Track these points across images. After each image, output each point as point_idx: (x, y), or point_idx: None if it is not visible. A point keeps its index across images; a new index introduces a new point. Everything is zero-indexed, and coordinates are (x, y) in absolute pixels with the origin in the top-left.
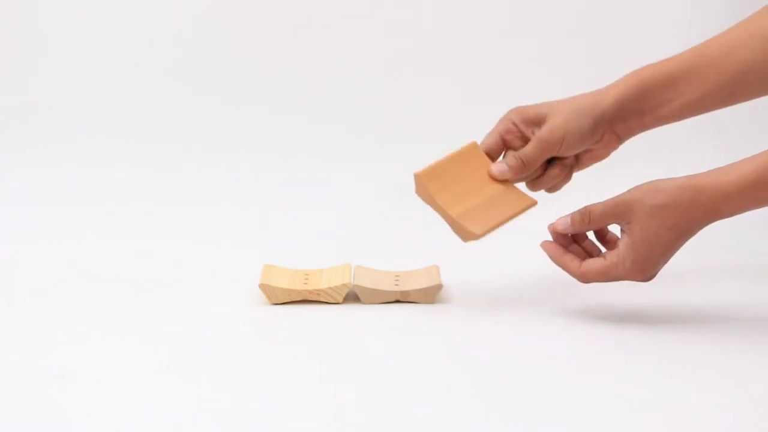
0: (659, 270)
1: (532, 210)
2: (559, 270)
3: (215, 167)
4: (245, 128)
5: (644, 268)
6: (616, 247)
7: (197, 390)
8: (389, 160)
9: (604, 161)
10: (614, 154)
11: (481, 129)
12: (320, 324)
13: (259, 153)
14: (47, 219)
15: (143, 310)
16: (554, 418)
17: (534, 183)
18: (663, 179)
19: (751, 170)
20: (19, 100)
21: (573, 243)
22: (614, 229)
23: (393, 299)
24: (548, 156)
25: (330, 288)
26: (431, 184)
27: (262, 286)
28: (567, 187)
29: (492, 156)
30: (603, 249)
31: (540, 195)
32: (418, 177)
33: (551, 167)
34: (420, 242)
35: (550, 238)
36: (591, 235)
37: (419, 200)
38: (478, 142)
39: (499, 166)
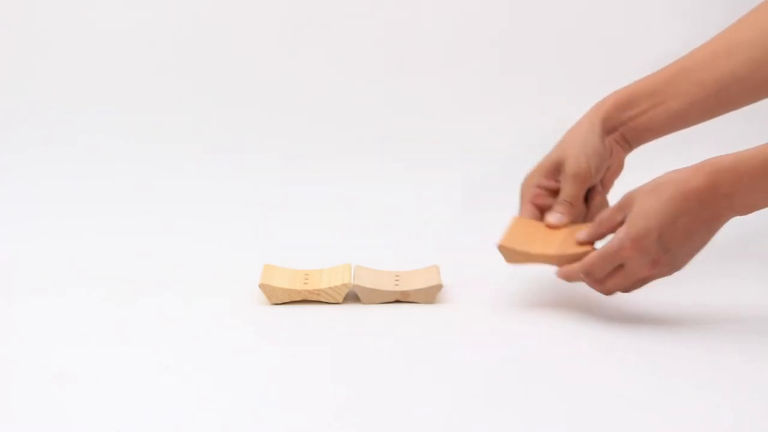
0: (668, 253)
1: None
2: None
3: (215, 167)
4: (245, 128)
5: (642, 245)
6: None
7: (197, 390)
8: (389, 160)
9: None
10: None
11: (481, 129)
12: (320, 324)
13: (259, 153)
14: (47, 219)
15: (143, 310)
16: (555, 418)
17: (587, 219)
18: None
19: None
20: (19, 100)
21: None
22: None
23: (393, 299)
24: (586, 187)
25: (330, 288)
26: (517, 245)
27: (262, 286)
28: None
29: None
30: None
31: None
32: (502, 247)
33: (592, 199)
34: (420, 242)
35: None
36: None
37: (419, 200)
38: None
39: (554, 215)
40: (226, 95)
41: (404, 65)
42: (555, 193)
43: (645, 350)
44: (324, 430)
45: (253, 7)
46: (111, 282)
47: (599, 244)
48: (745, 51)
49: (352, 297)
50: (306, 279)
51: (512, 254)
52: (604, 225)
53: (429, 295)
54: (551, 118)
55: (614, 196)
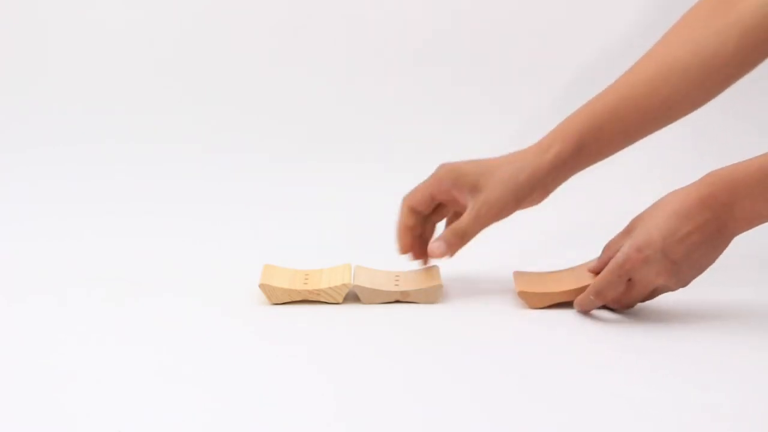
0: (674, 265)
1: (530, 212)
2: None
3: (215, 167)
4: (245, 128)
5: (647, 255)
6: None
7: (197, 390)
8: (389, 160)
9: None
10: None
11: (481, 129)
12: (320, 324)
13: (259, 153)
14: (47, 219)
15: (143, 310)
16: (555, 418)
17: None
18: None
19: (753, 159)
20: (19, 100)
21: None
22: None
23: (393, 299)
24: (485, 227)
25: (330, 288)
26: (534, 287)
27: (262, 286)
28: (560, 190)
29: (421, 212)
30: None
31: None
32: (521, 293)
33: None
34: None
35: (547, 237)
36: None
37: None
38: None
39: (438, 245)
40: (226, 95)
41: (404, 66)
42: (456, 203)
43: (645, 349)
44: (324, 430)
45: (253, 7)
46: (111, 282)
47: None
48: (679, 74)
49: (352, 297)
50: (306, 279)
51: (533, 298)
52: (612, 249)
53: (429, 295)
54: (550, 119)
55: (620, 225)
